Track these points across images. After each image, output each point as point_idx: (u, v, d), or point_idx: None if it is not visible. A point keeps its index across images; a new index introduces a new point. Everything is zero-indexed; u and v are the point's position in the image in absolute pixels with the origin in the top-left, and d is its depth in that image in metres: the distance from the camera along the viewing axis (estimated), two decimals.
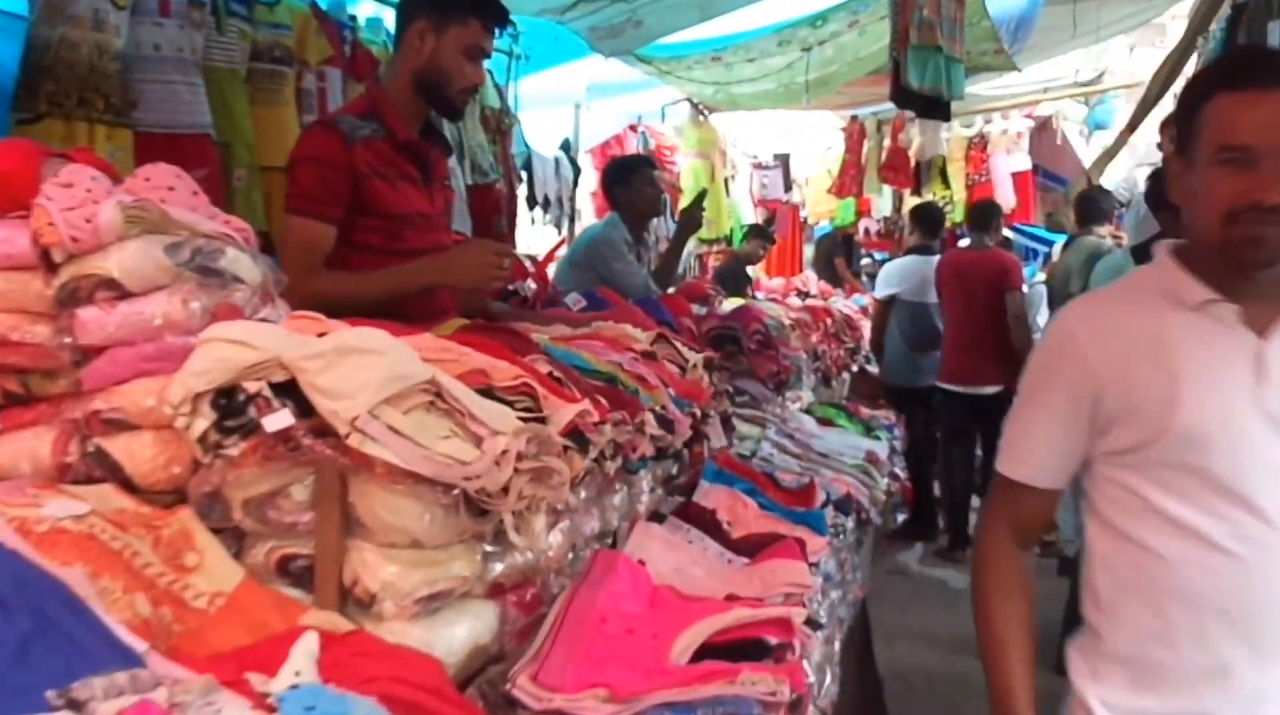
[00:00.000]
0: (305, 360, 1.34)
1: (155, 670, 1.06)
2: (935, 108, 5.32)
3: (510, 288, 3.38)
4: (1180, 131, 1.64)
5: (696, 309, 3.81)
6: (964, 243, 8.43)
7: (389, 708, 1.07)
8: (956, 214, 9.78)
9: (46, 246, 1.41)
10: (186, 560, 1.32)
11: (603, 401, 1.79)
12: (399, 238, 2.54)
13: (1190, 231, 1.65)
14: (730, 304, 4.72)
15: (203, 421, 1.33)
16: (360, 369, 1.33)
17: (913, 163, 9.71)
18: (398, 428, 1.31)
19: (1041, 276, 7.48)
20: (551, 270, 4.60)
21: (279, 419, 1.31)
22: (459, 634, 1.38)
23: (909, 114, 8.77)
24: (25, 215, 1.44)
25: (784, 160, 11.53)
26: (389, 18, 4.68)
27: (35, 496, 1.30)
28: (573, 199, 7.31)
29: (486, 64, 2.80)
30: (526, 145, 6.29)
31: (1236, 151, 1.51)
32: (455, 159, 4.65)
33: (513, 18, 2.70)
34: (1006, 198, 9.40)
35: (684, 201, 7.23)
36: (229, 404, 1.33)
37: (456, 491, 1.33)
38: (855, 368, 6.33)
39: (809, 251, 12.15)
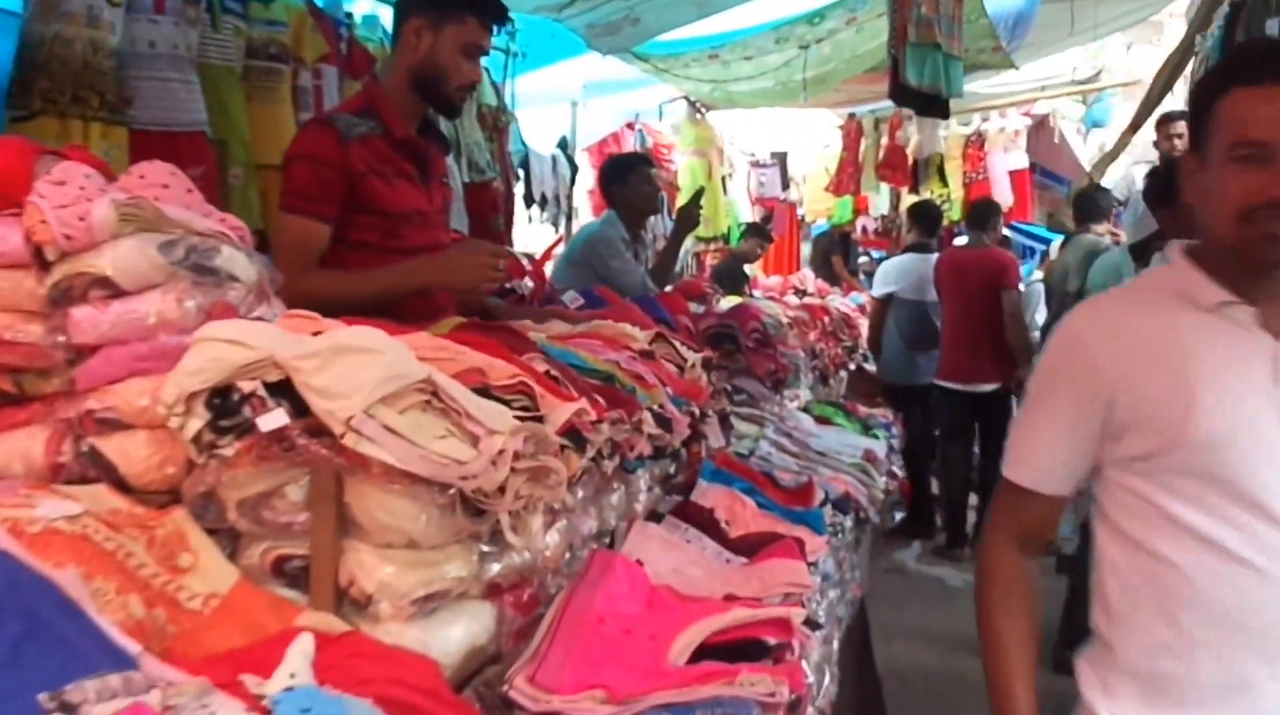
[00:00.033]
0: (300, 359, 1.32)
1: (149, 672, 1.04)
2: (934, 105, 5.32)
3: (507, 286, 3.37)
4: (1193, 128, 1.60)
5: (694, 307, 3.80)
6: (961, 240, 8.45)
7: (385, 709, 1.06)
8: (954, 212, 9.79)
9: (39, 244, 1.40)
10: (181, 561, 1.31)
11: (600, 400, 1.78)
12: (396, 235, 2.53)
13: (1204, 231, 1.60)
14: (728, 302, 4.71)
15: (197, 421, 1.32)
16: (356, 368, 1.32)
17: (910, 161, 9.70)
18: (393, 427, 1.30)
19: (1039, 274, 7.48)
20: (549, 268, 4.60)
21: (274, 419, 1.30)
22: (455, 635, 1.37)
23: (907, 112, 8.76)
24: (18, 213, 1.43)
25: (781, 158, 11.53)
26: (385, 15, 4.67)
27: (28, 497, 1.29)
28: (570, 197, 7.31)
29: (484, 61, 2.79)
30: (524, 143, 6.29)
31: (1252, 147, 1.47)
32: (452, 157, 4.64)
33: (510, 15, 2.68)
34: (1004, 196, 9.40)
35: (681, 199, 7.23)
36: (223, 404, 1.32)
37: (453, 491, 1.32)
38: (853, 366, 6.33)
39: (806, 250, 12.15)
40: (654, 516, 2.12)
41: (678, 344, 2.53)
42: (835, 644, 2.04)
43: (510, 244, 5.56)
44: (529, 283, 3.66)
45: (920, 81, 4.92)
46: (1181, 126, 6.03)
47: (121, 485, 1.40)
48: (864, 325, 7.14)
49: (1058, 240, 7.24)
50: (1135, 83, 9.38)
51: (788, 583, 1.89)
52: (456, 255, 2.50)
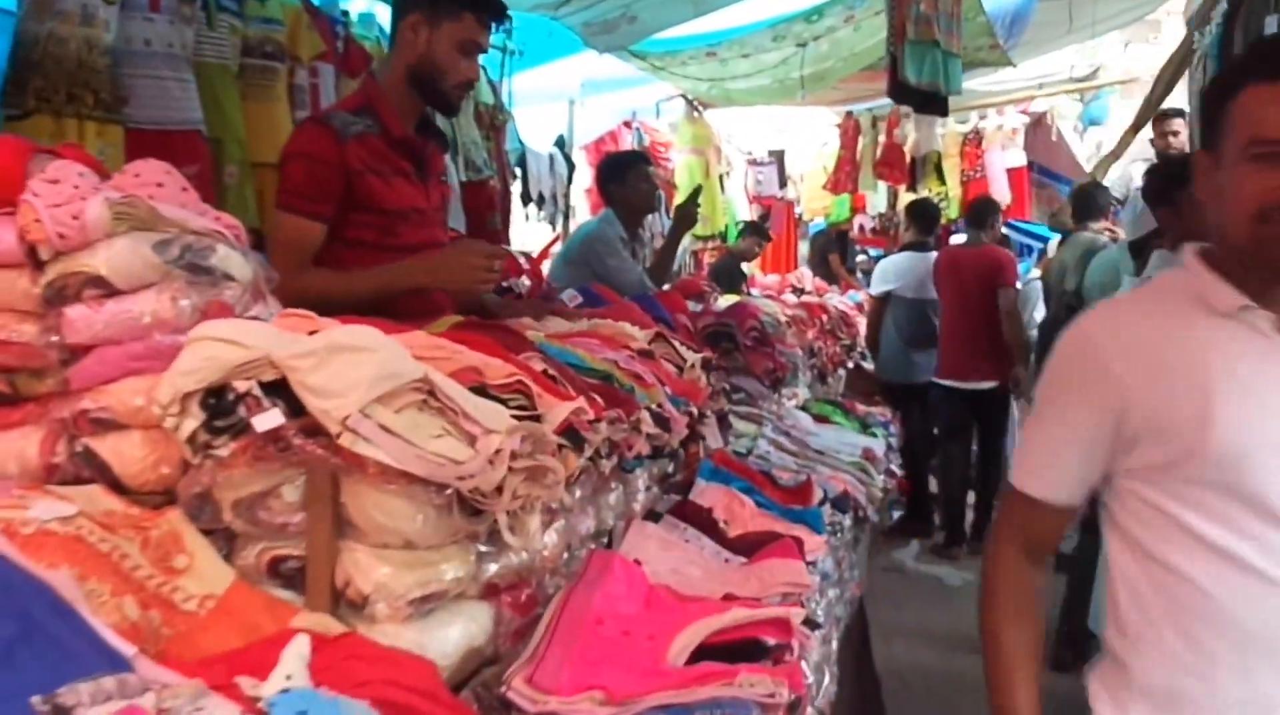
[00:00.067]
0: (296, 359, 1.32)
1: (143, 674, 1.04)
2: (933, 103, 5.31)
3: (504, 284, 3.37)
4: (1207, 127, 1.55)
5: (692, 306, 3.80)
6: (958, 239, 8.45)
7: (382, 711, 1.06)
8: (952, 210, 9.79)
9: (33, 243, 1.40)
10: (176, 562, 1.30)
11: (598, 399, 1.77)
12: (393, 233, 2.52)
13: (1218, 233, 1.54)
14: (726, 301, 4.71)
15: (192, 421, 1.31)
16: (351, 367, 1.31)
17: (908, 159, 9.70)
18: (390, 427, 1.29)
19: (1037, 273, 7.48)
20: (546, 267, 4.59)
21: (269, 418, 1.30)
22: (453, 636, 1.37)
23: (904, 110, 8.76)
24: (11, 212, 1.42)
25: (779, 156, 11.52)
26: (382, 13, 4.67)
27: (22, 498, 1.28)
28: (567, 195, 7.30)
29: (481, 59, 2.78)
30: (520, 141, 6.28)
31: (1268, 145, 1.41)
32: (449, 155, 4.63)
33: (508, 12, 2.68)
34: (1001, 194, 9.39)
35: (679, 198, 7.22)
36: (218, 403, 1.31)
37: (450, 491, 1.31)
38: (851, 364, 6.33)
39: (804, 248, 12.14)
40: (652, 516, 2.11)
41: (677, 344, 2.53)
42: (834, 643, 2.04)
43: (507, 243, 5.56)
44: (526, 281, 3.65)
45: (919, 79, 4.91)
46: (1177, 124, 6.04)
47: (116, 486, 1.40)
48: (862, 323, 7.15)
49: (1056, 238, 7.23)
50: (1133, 81, 9.39)
51: (787, 582, 1.88)
52: (452, 255, 2.50)
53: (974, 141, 10.16)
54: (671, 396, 2.20)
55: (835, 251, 10.92)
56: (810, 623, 1.75)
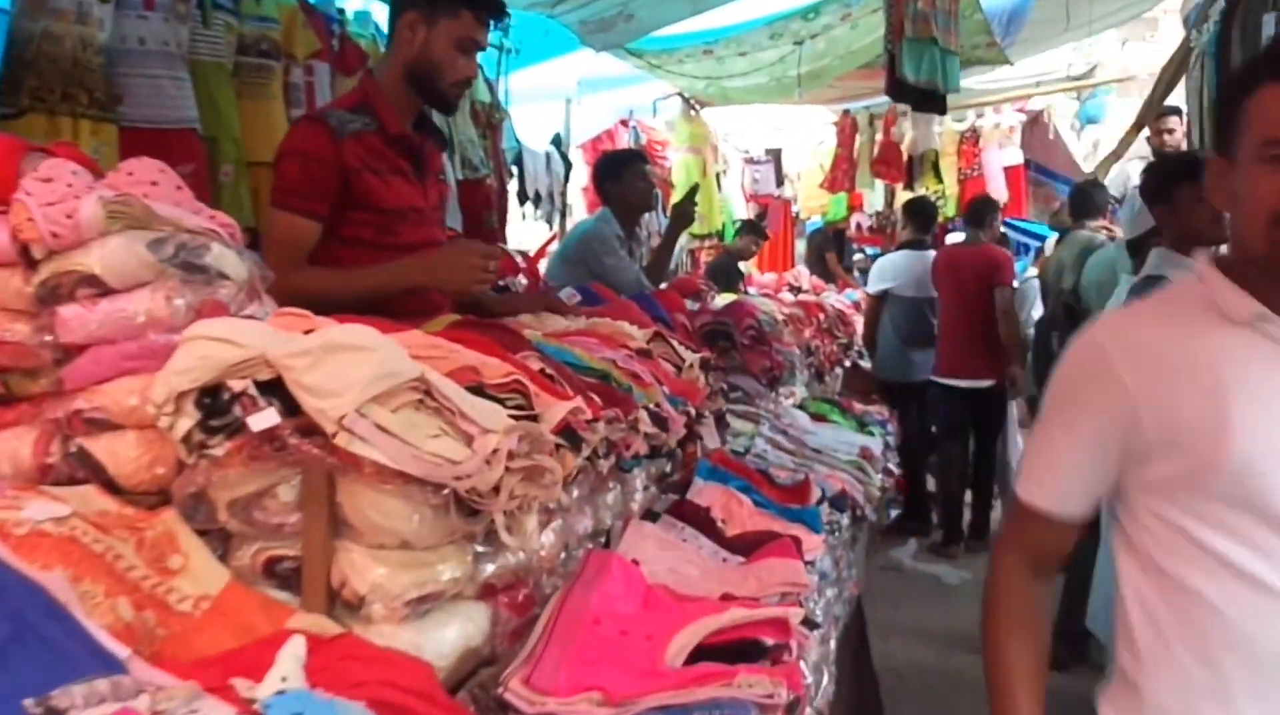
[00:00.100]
0: (291, 358, 1.31)
1: (138, 676, 1.03)
2: (931, 101, 5.31)
3: (501, 283, 3.36)
4: (1221, 130, 1.50)
5: (689, 304, 3.79)
6: (956, 237, 8.45)
7: (378, 713, 1.05)
8: (949, 208, 9.79)
9: (26, 243, 1.39)
10: (171, 563, 1.29)
11: (596, 399, 1.77)
12: (391, 232, 2.51)
13: (1233, 238, 1.50)
14: (723, 299, 4.70)
15: (187, 421, 1.30)
16: (348, 367, 1.30)
17: (905, 157, 9.69)
18: (386, 426, 1.28)
19: (1033, 271, 7.48)
20: (543, 266, 4.58)
21: (264, 418, 1.29)
22: (450, 636, 1.36)
23: (901, 108, 8.75)
24: (4, 211, 1.41)
25: (776, 155, 11.52)
26: (378, 11, 4.66)
27: (15, 498, 1.27)
28: (564, 194, 7.30)
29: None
30: (517, 140, 6.28)
31: None
32: (445, 154, 4.62)
33: (506, 10, 2.67)
34: (999, 192, 9.40)
35: (676, 196, 7.21)
36: (213, 403, 1.30)
37: (446, 491, 1.30)
38: (848, 363, 6.33)
39: (801, 247, 12.14)
40: (650, 515, 2.11)
41: (675, 343, 2.52)
42: (833, 643, 2.03)
43: (504, 241, 5.55)
44: (523, 280, 3.65)
45: (917, 76, 4.91)
46: (1173, 122, 6.04)
47: (111, 486, 1.39)
48: (859, 322, 7.15)
49: (1053, 237, 7.24)
50: (1130, 79, 9.39)
51: (785, 582, 1.87)
52: (448, 254, 2.49)
53: (971, 140, 10.17)
54: (669, 396, 2.19)
55: (832, 250, 10.91)
56: (809, 622, 1.74)
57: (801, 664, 1.54)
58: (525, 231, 7.11)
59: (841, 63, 7.36)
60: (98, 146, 3.06)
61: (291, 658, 1.12)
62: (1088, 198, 5.90)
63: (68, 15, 3.03)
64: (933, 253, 6.90)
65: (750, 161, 11.32)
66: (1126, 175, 7.01)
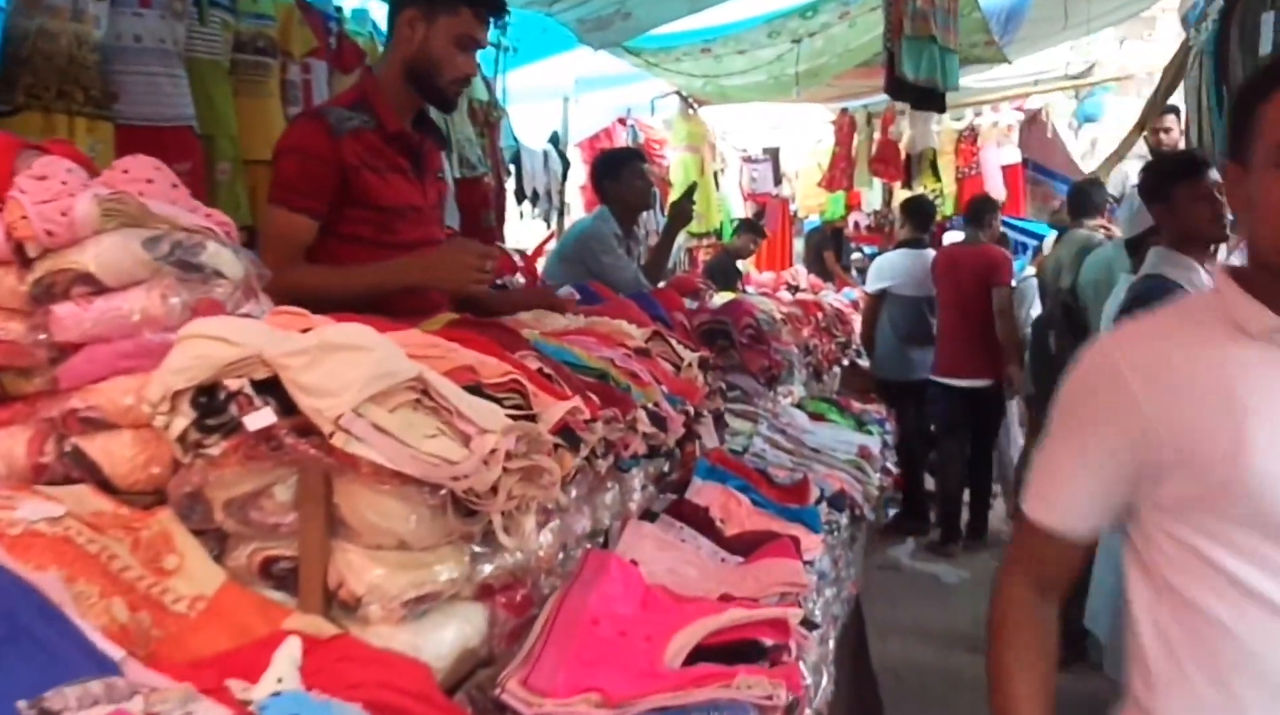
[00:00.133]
0: (288, 357, 1.30)
1: (132, 678, 1.02)
2: (930, 99, 5.30)
3: (499, 282, 3.35)
4: (1235, 136, 1.46)
5: (687, 303, 3.78)
6: (954, 236, 8.45)
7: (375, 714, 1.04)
8: (946, 207, 9.79)
9: (20, 241, 1.38)
10: (166, 563, 1.29)
11: (594, 398, 1.76)
12: (390, 230, 2.51)
13: (1249, 245, 1.45)
14: (721, 298, 4.70)
15: (182, 420, 1.30)
16: (344, 366, 1.30)
17: (903, 156, 9.68)
18: (383, 426, 1.28)
19: (1031, 270, 7.48)
20: (540, 265, 4.58)
21: (261, 417, 1.28)
22: (447, 637, 1.35)
23: (899, 106, 8.75)
24: None
25: (774, 154, 11.51)
26: (375, 8, 4.65)
27: (9, 498, 1.27)
28: (561, 193, 7.29)
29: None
30: (515, 138, 6.27)
31: None
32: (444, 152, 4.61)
33: (506, 7, 2.66)
34: (997, 191, 9.40)
35: (674, 195, 7.21)
36: (209, 402, 1.30)
37: (444, 492, 1.29)
38: (846, 362, 6.33)
39: (799, 245, 12.14)
40: (648, 515, 2.10)
41: (674, 342, 2.51)
42: (831, 643, 2.03)
43: (502, 240, 5.54)
44: (521, 279, 3.64)
45: (917, 75, 4.90)
46: (1170, 120, 6.04)
47: (106, 486, 1.38)
48: (857, 321, 7.15)
49: (1051, 235, 7.24)
50: (1128, 78, 9.39)
51: (784, 582, 1.87)
52: (445, 253, 2.48)
53: (969, 138, 10.17)
54: (668, 395, 2.19)
55: (830, 249, 10.91)
56: (808, 623, 1.73)
57: (801, 665, 1.53)
58: (523, 230, 7.10)
59: (840, 61, 7.35)
60: (93, 144, 3.04)
61: (287, 659, 1.12)
62: (1086, 197, 5.91)
63: (63, 12, 3.02)
64: (931, 252, 6.91)
65: (748, 160, 11.32)
66: (1125, 174, 7.01)
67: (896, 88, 5.04)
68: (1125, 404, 1.42)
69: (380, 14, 4.60)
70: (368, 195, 2.47)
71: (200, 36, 3.56)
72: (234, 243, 1.58)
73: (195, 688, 1.01)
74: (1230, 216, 3.62)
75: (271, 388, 1.30)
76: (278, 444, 1.29)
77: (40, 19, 2.99)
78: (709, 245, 9.70)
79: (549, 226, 7.10)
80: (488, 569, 1.43)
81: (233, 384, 1.29)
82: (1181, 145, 5.62)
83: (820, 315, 5.63)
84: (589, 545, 1.84)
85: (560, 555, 1.67)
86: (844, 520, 2.67)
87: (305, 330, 1.42)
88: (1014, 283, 6.65)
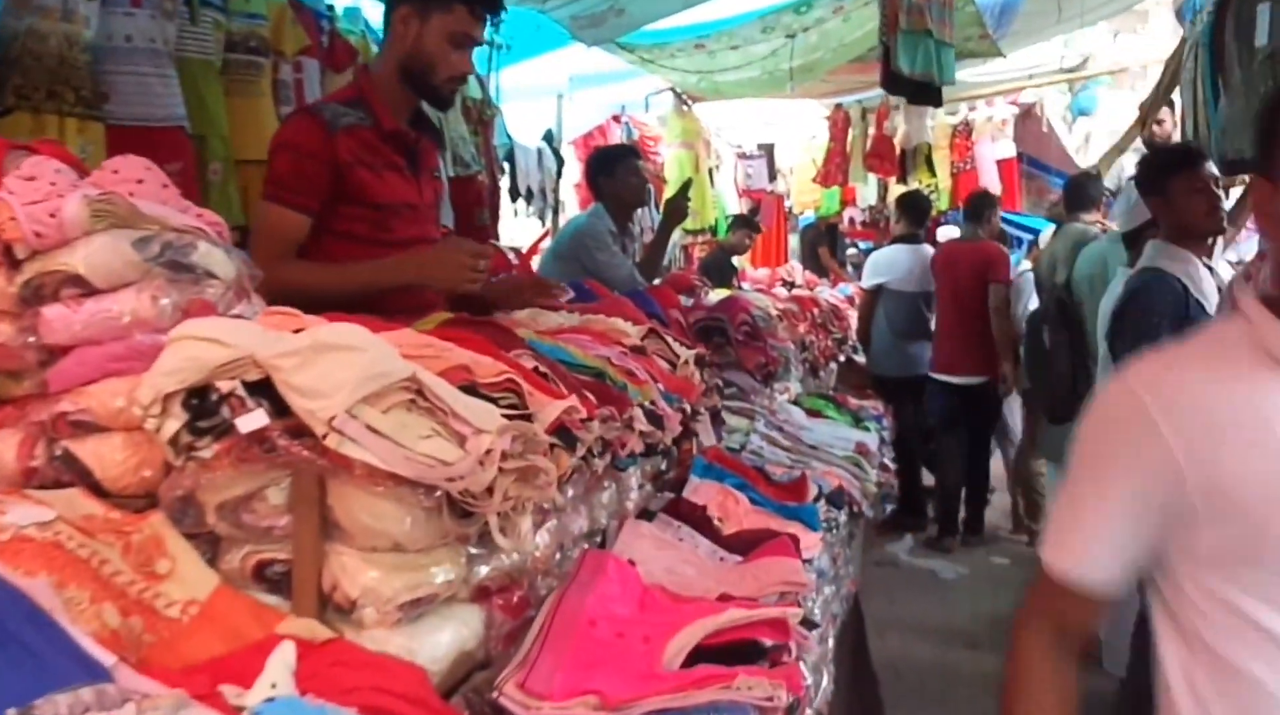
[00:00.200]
0: (280, 358, 1.29)
1: (124, 685, 1.01)
2: (926, 93, 5.29)
3: (493, 281, 3.33)
4: (1264, 149, 1.36)
5: (683, 300, 3.77)
6: (949, 230, 8.45)
7: None
8: (941, 202, 9.79)
9: (9, 242, 1.36)
10: (158, 567, 1.27)
11: (590, 397, 1.75)
12: (385, 228, 2.50)
13: (1277, 269, 1.38)
14: (716, 295, 4.68)
15: (174, 423, 1.28)
16: (337, 367, 1.28)
17: (898, 151, 9.69)
18: (377, 427, 1.26)
19: (1027, 265, 7.49)
20: (535, 263, 4.56)
21: (253, 419, 1.27)
22: (443, 640, 1.34)
23: (894, 101, 8.75)
24: None
25: (768, 150, 11.52)
26: (367, 7, 4.63)
27: None
28: (556, 190, 7.29)
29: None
30: (509, 136, 6.26)
31: None
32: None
33: (502, 4, 2.64)
34: (992, 185, 9.40)
35: (668, 192, 7.20)
36: (201, 404, 1.28)
37: (439, 493, 1.28)
38: (843, 358, 6.32)
39: (794, 241, 12.14)
40: (646, 514, 2.09)
41: (670, 340, 2.50)
42: (831, 641, 2.02)
43: (496, 238, 5.53)
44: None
45: (912, 69, 4.90)
46: (1162, 112, 6.04)
47: (97, 489, 1.37)
48: (853, 317, 7.14)
49: (1048, 230, 7.24)
50: (1122, 71, 9.40)
51: (783, 581, 1.85)
52: (438, 252, 2.47)
53: (964, 133, 10.16)
54: (665, 393, 2.17)
55: (825, 245, 10.91)
56: (808, 622, 1.72)
57: (801, 665, 1.52)
58: (518, 228, 7.08)
59: (834, 56, 7.36)
60: (84, 145, 3.02)
61: (281, 664, 1.11)
62: (1082, 190, 5.90)
63: (53, 13, 3.00)
64: (927, 247, 6.91)
65: (743, 156, 11.32)
66: (1120, 167, 7.01)
67: (892, 82, 5.04)
68: (1152, 445, 1.31)
69: (372, 13, 4.58)
70: (363, 192, 2.46)
71: (191, 36, 3.54)
72: (225, 243, 1.57)
73: (188, 694, 1.00)
74: (1226, 207, 3.62)
75: (264, 389, 1.28)
76: (270, 446, 1.27)
77: (30, 19, 2.97)
78: (704, 242, 9.70)
79: (544, 224, 7.10)
80: (484, 570, 1.42)
81: (224, 386, 1.28)
82: (1176, 137, 5.62)
83: (816, 311, 5.62)
84: (586, 545, 1.82)
85: (557, 556, 1.65)
86: (842, 517, 2.66)
87: (298, 331, 1.40)
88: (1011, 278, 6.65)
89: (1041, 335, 5.07)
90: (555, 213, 7.30)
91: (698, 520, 2.14)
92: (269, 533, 1.32)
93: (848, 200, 11.22)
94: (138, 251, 1.41)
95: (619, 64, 7.09)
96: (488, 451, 1.31)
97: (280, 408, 1.28)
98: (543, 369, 1.72)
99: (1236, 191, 4.57)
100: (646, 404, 2.03)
